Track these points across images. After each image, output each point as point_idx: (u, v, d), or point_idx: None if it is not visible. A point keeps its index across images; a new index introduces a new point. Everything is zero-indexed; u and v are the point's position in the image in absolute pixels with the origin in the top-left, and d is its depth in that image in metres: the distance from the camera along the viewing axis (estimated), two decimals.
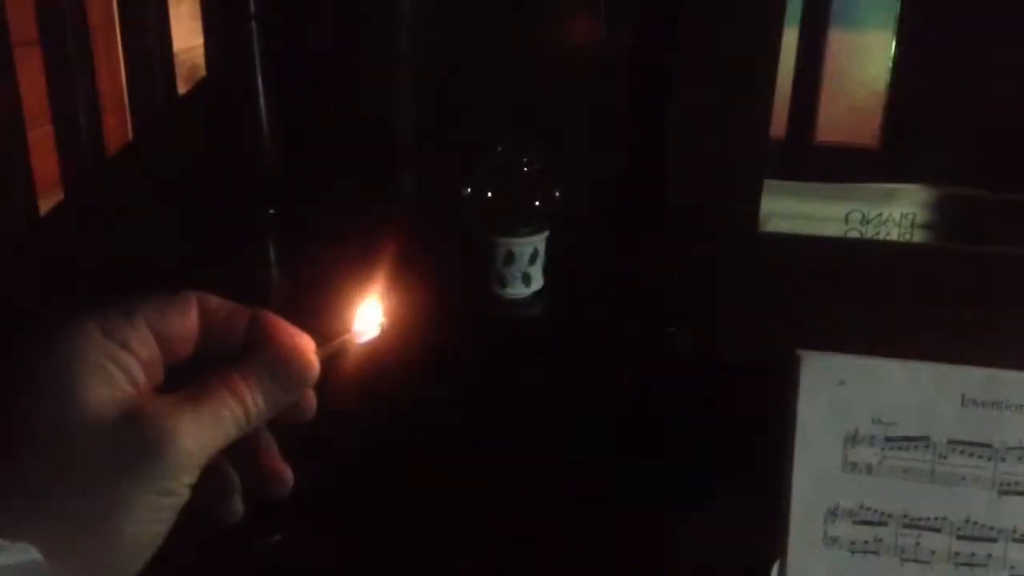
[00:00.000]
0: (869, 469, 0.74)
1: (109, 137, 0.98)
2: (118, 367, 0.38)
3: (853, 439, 0.74)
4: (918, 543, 0.73)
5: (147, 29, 0.95)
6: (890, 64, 0.98)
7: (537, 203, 0.91)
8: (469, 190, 0.92)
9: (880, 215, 0.95)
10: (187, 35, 1.09)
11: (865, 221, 0.95)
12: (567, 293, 0.93)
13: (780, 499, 0.75)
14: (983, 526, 0.72)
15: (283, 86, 0.91)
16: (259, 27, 0.89)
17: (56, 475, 0.36)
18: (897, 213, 0.94)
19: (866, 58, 0.99)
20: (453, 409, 0.92)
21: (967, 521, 0.72)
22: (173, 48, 0.99)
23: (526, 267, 0.90)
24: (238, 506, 0.45)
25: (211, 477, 0.41)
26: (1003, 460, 0.72)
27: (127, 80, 0.99)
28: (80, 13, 0.92)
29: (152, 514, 0.38)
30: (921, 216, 0.95)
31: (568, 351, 0.91)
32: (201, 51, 0.99)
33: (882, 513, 0.74)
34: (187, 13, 1.06)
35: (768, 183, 0.83)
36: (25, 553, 0.34)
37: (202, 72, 1.02)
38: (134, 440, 0.37)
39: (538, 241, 0.90)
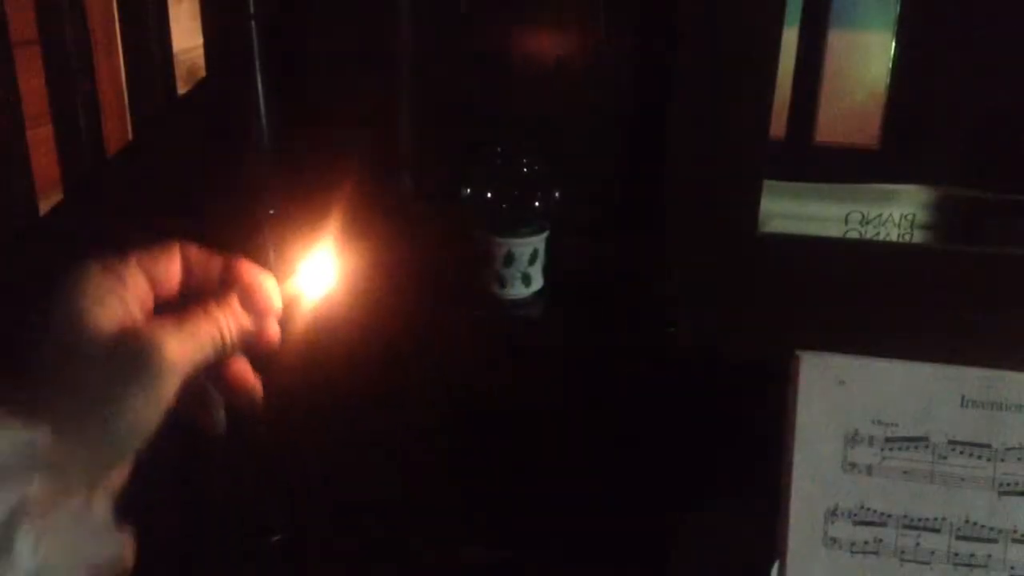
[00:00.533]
0: (869, 470, 0.74)
1: (109, 137, 0.98)
2: (114, 295, 0.47)
3: (853, 439, 0.74)
4: (918, 544, 0.73)
5: (147, 29, 0.95)
6: (890, 64, 0.98)
7: (537, 203, 0.91)
8: (469, 190, 0.92)
9: (880, 216, 0.95)
10: (187, 35, 1.09)
11: (865, 222, 0.95)
12: (567, 293, 0.93)
13: (780, 499, 0.75)
14: (983, 527, 0.72)
15: (283, 86, 0.91)
16: (259, 27, 0.89)
17: (65, 375, 0.46)
18: (897, 214, 0.94)
19: (866, 58, 0.99)
20: (453, 409, 0.92)
21: (967, 522, 0.72)
22: (173, 48, 0.99)
23: (526, 267, 0.90)
24: (220, 418, 0.54)
25: (195, 392, 0.51)
26: (1002, 460, 0.72)
27: (127, 80, 0.99)
28: (80, 13, 0.92)
29: (141, 412, 0.46)
30: (921, 217, 0.95)
31: (568, 351, 0.91)
32: (201, 51, 0.99)
33: (882, 514, 0.74)
34: (187, 13, 1.06)
35: (768, 183, 0.83)
36: (18, 432, 0.43)
37: (202, 72, 1.02)
38: (126, 350, 0.46)
39: (538, 242, 0.90)
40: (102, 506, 0.47)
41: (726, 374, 0.83)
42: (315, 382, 0.85)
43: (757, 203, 0.82)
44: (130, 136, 1.00)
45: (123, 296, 0.48)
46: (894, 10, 0.97)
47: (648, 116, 0.92)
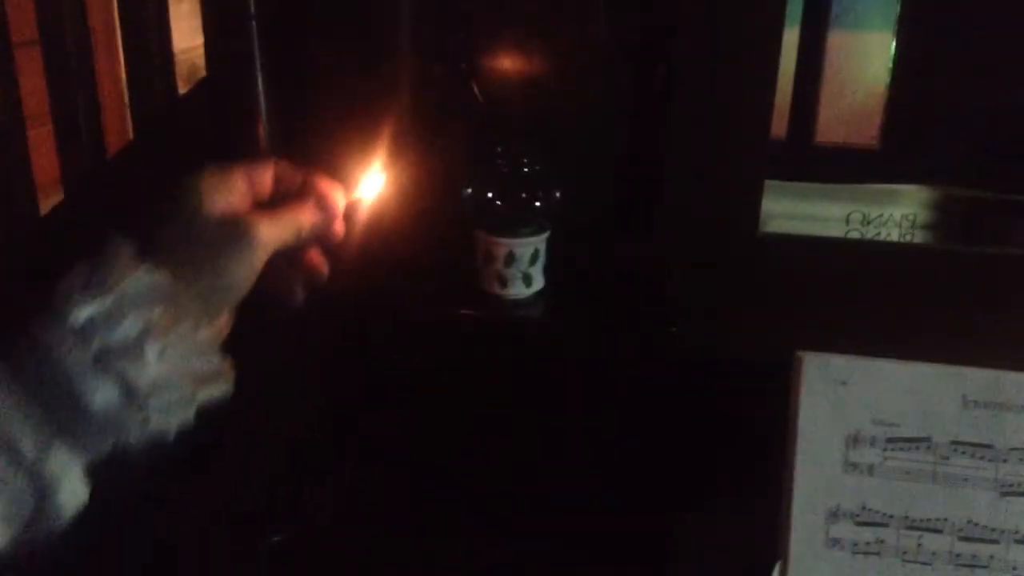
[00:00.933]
0: (870, 470, 0.74)
1: (109, 137, 0.98)
2: (223, 188, 0.64)
3: (854, 440, 0.74)
4: (920, 544, 0.73)
5: (147, 29, 0.95)
6: (890, 64, 0.98)
7: (537, 203, 0.91)
8: (470, 190, 0.92)
9: (881, 216, 0.95)
10: (187, 35, 1.09)
11: (866, 222, 0.95)
12: (568, 293, 0.93)
13: (781, 500, 0.75)
14: (985, 527, 0.72)
15: (283, 86, 0.91)
16: (259, 27, 0.89)
17: (185, 242, 0.62)
18: (898, 214, 0.95)
19: (866, 58, 0.99)
20: (453, 409, 0.92)
21: (969, 522, 0.72)
22: (173, 48, 0.99)
23: (527, 268, 0.90)
24: (299, 294, 0.70)
25: (278, 268, 0.66)
26: (1005, 461, 0.72)
27: (127, 80, 0.99)
28: (80, 13, 0.92)
29: (237, 274, 0.63)
30: (922, 217, 0.95)
31: (568, 351, 0.91)
32: (201, 51, 0.99)
33: (883, 514, 0.74)
34: (187, 13, 1.06)
35: (768, 184, 0.83)
36: (151, 273, 0.59)
37: (202, 72, 1.02)
38: (231, 229, 0.63)
39: (539, 242, 0.90)
40: (207, 338, 0.62)
41: (726, 374, 0.83)
42: None
43: (758, 203, 0.82)
44: (131, 136, 1.00)
45: (230, 190, 0.65)
46: (894, 10, 0.97)
47: (648, 115, 0.92)
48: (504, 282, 0.90)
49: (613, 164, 0.96)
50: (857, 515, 0.74)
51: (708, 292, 0.84)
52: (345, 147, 0.92)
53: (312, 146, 0.93)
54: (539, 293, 0.92)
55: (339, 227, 0.71)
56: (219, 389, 0.62)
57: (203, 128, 0.97)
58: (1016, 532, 0.72)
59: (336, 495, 0.94)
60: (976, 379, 0.73)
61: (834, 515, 0.74)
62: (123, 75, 1.01)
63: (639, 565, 0.87)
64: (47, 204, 0.93)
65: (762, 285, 0.83)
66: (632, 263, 0.90)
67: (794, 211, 0.94)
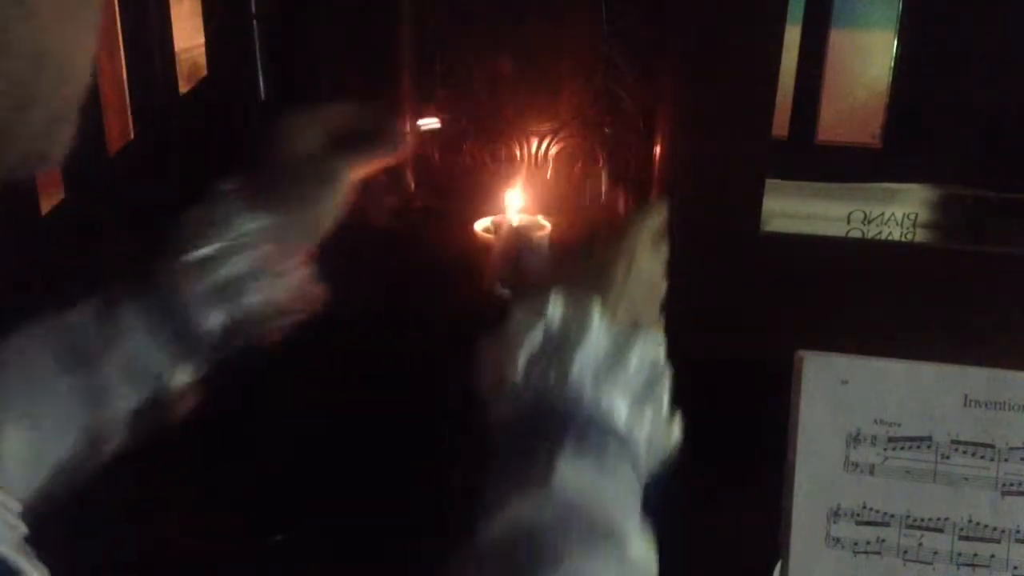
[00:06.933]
0: (871, 469, 0.74)
1: (110, 136, 0.98)
2: (309, 133, 0.73)
3: (855, 439, 0.74)
4: (921, 544, 0.73)
5: (148, 28, 0.95)
6: (892, 64, 0.98)
7: None
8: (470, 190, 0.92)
9: (882, 215, 0.95)
10: (188, 34, 1.09)
11: (867, 221, 0.95)
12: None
13: (782, 499, 0.75)
14: (986, 527, 0.72)
15: (284, 85, 0.91)
16: (260, 27, 0.89)
17: (283, 184, 0.71)
18: (899, 213, 0.94)
19: (868, 58, 0.99)
20: (453, 409, 0.92)
21: (970, 522, 0.72)
22: (174, 47, 0.99)
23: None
24: (382, 212, 0.86)
25: (364, 189, 0.75)
26: (1006, 460, 0.72)
27: (128, 79, 0.99)
28: None
29: (328, 207, 0.72)
30: (923, 216, 0.95)
31: None
32: (202, 50, 0.99)
33: (884, 513, 0.73)
34: (188, 12, 1.06)
35: (770, 183, 0.84)
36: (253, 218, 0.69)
37: (203, 71, 1.02)
38: (317, 168, 0.71)
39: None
40: (302, 270, 0.71)
41: (726, 374, 0.83)
42: None
43: (759, 202, 0.82)
44: (131, 134, 1.00)
45: (313, 133, 0.72)
46: (896, 9, 0.97)
47: (648, 115, 0.92)
48: (505, 281, 0.90)
49: (613, 163, 0.96)
50: (858, 514, 0.74)
51: (708, 292, 0.84)
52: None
53: None
54: None
55: (403, 151, 0.80)
56: (311, 310, 0.72)
57: (204, 127, 0.98)
58: (1017, 531, 0.72)
59: (334, 494, 0.94)
60: (977, 378, 0.72)
61: (835, 514, 0.74)
62: (124, 74, 1.01)
63: None
64: (47, 204, 0.93)
65: (763, 284, 0.83)
66: None
67: (795, 210, 0.94)
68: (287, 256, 0.70)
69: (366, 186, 0.76)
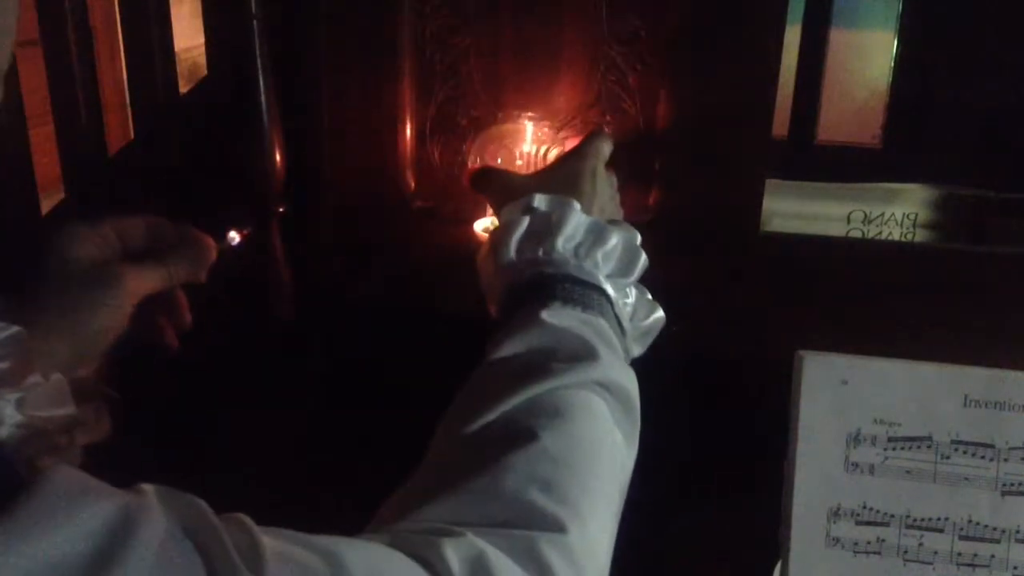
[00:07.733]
0: (871, 469, 0.74)
1: (110, 136, 0.98)
2: (93, 243, 0.67)
3: (855, 439, 0.74)
4: (921, 544, 0.73)
5: (148, 28, 0.95)
6: (892, 64, 0.98)
7: None
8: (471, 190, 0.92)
9: (882, 215, 0.95)
10: (188, 34, 1.09)
11: (867, 221, 0.95)
12: None
13: (782, 499, 0.75)
14: (986, 527, 0.72)
15: (284, 86, 0.91)
16: (260, 26, 0.89)
17: (58, 291, 0.65)
18: (899, 213, 0.94)
19: (868, 58, 0.99)
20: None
21: (970, 522, 0.72)
22: (174, 47, 0.99)
23: None
24: (172, 340, 0.73)
25: (146, 313, 0.69)
26: (1006, 460, 0.72)
27: (128, 79, 0.99)
28: (81, 12, 0.92)
29: (108, 320, 0.66)
30: (923, 216, 0.95)
31: None
32: (202, 50, 0.99)
33: (884, 513, 0.73)
34: (188, 12, 1.06)
35: (770, 183, 0.83)
36: (8, 329, 0.59)
37: (203, 71, 1.02)
38: (99, 277, 0.66)
39: None
40: (66, 384, 0.63)
41: (726, 374, 0.83)
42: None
43: (760, 202, 0.82)
44: (131, 135, 1.00)
45: (101, 245, 0.68)
46: (896, 9, 0.97)
47: (648, 115, 0.92)
48: None
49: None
50: (858, 514, 0.74)
51: (708, 292, 0.84)
52: (346, 146, 0.93)
53: (312, 145, 0.93)
54: None
55: (203, 277, 0.73)
56: (94, 434, 0.65)
57: (204, 128, 0.97)
58: (1017, 531, 0.72)
59: (332, 494, 0.94)
60: (977, 378, 0.73)
61: (835, 514, 0.74)
62: (124, 74, 1.01)
63: (639, 564, 0.87)
64: (48, 203, 0.93)
65: (762, 284, 0.83)
66: None
67: (795, 210, 0.94)
68: (59, 367, 0.63)
69: (162, 304, 0.71)
